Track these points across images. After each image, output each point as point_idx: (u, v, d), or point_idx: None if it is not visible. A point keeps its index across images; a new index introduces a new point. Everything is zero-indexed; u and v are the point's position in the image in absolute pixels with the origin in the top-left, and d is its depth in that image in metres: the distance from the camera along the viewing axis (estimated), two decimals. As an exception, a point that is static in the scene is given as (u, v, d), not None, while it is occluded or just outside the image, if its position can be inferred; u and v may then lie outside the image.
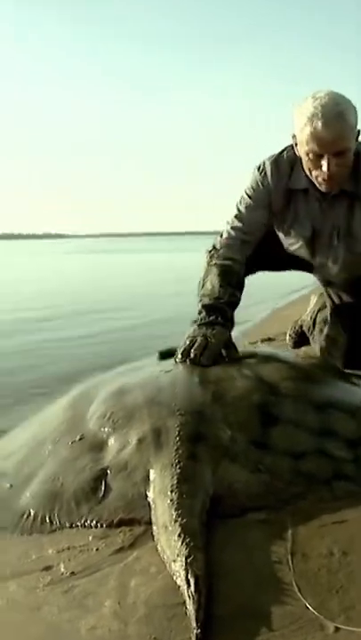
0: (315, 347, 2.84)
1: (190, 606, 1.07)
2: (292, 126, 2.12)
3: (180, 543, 1.23)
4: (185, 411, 1.66)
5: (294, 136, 2.15)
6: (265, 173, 2.31)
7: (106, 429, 1.70)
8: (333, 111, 2.00)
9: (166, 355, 2.17)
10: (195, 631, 1.02)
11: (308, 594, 1.12)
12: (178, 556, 1.20)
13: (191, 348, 2.01)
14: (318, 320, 2.88)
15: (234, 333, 2.24)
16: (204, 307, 2.19)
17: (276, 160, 2.31)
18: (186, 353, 2.01)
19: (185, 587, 1.12)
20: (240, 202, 2.38)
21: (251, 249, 2.39)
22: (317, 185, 2.19)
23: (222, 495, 1.46)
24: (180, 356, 2.01)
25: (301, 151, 2.12)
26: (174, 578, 1.17)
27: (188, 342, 2.05)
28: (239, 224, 2.36)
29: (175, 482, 1.43)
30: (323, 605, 1.09)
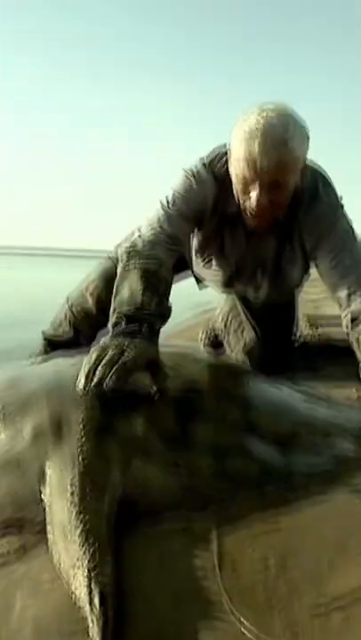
0: (230, 354, 2.66)
1: (94, 629, 0.82)
2: (230, 136, 1.81)
3: (81, 546, 0.97)
4: (92, 400, 1.40)
5: (229, 149, 1.82)
6: (203, 185, 1.92)
7: (-5, 421, 1.41)
8: (278, 136, 1.66)
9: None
10: None
11: (242, 610, 0.89)
12: (78, 560, 0.93)
13: (97, 366, 1.41)
14: (232, 324, 2.69)
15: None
16: (121, 316, 1.64)
17: (215, 172, 1.92)
18: (89, 375, 1.40)
19: (87, 604, 0.86)
20: (170, 203, 1.92)
21: (175, 259, 1.93)
22: (244, 215, 1.87)
23: (134, 497, 1.21)
24: (82, 380, 1.40)
25: (232, 170, 1.80)
26: (73, 594, 0.90)
27: (93, 357, 1.43)
28: (168, 227, 1.87)
29: (77, 479, 1.17)
30: (263, 623, 0.86)
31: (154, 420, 1.39)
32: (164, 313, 1.72)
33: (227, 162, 1.86)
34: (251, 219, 1.85)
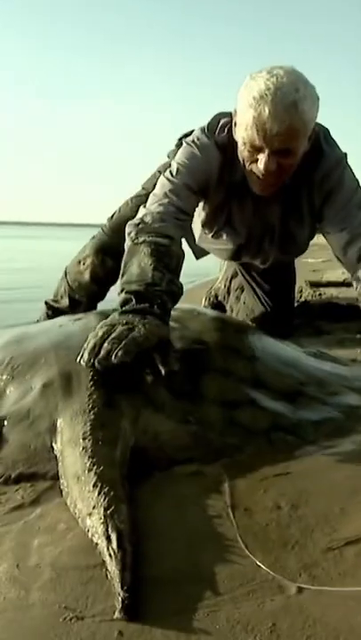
0: (232, 315, 2.67)
1: (113, 567, 0.83)
2: (236, 100, 1.70)
3: (96, 493, 0.97)
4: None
5: (235, 113, 1.73)
6: (206, 153, 1.81)
7: (3, 377, 1.42)
8: (288, 98, 1.55)
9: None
10: (120, 596, 0.77)
11: (257, 551, 0.90)
12: (94, 508, 0.94)
13: (104, 341, 1.29)
14: (233, 287, 2.70)
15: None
16: (131, 293, 1.48)
17: (217, 141, 1.82)
18: (94, 350, 1.28)
19: (104, 544, 0.87)
20: (174, 173, 1.81)
21: (184, 232, 1.84)
22: (250, 184, 1.80)
23: (145, 447, 1.22)
24: (85, 355, 1.28)
25: (239, 136, 1.70)
26: (90, 535, 0.91)
27: (100, 333, 1.32)
28: (175, 199, 1.75)
29: (89, 429, 1.17)
30: (278, 563, 0.87)
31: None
32: (175, 291, 1.56)
33: (230, 129, 1.79)
34: (257, 186, 1.77)
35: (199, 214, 2.02)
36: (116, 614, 0.75)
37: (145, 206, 1.77)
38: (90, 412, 1.23)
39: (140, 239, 1.62)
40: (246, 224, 1.98)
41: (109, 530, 0.88)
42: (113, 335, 1.29)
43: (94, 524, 0.91)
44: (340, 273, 3.69)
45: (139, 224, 1.68)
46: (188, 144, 1.84)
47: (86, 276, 2.55)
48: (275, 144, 1.60)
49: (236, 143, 1.75)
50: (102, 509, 0.92)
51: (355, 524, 0.98)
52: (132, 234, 1.65)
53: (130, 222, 1.71)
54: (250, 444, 1.28)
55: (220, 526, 0.97)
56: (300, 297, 3.28)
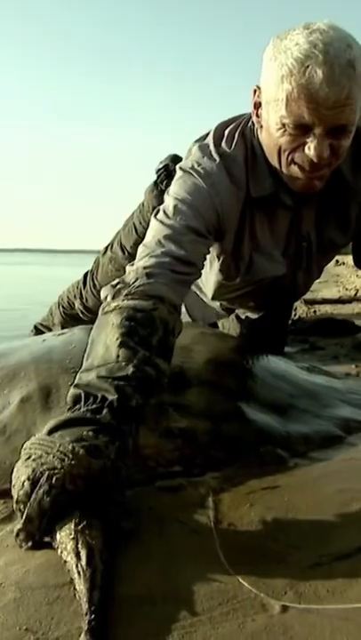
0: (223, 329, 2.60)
1: (81, 585, 0.76)
2: (261, 79, 1.34)
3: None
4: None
5: (259, 91, 1.36)
6: (214, 183, 1.40)
7: (-19, 391, 1.36)
8: (343, 56, 1.19)
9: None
10: (87, 617, 0.70)
11: (240, 568, 0.84)
12: (65, 523, 0.88)
13: (33, 489, 0.87)
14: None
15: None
16: (81, 387, 1.04)
17: (225, 154, 1.44)
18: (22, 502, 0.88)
19: (73, 561, 0.80)
20: (170, 213, 1.37)
21: (187, 291, 1.40)
22: (289, 181, 1.41)
23: (127, 462, 1.16)
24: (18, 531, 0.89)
25: (271, 118, 1.31)
26: (59, 551, 0.85)
27: (22, 477, 0.89)
28: (174, 247, 1.31)
29: None
30: (261, 581, 0.81)
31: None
32: (149, 377, 1.07)
33: (243, 132, 1.47)
34: (301, 182, 1.38)
35: (211, 263, 1.61)
36: (82, 637, 0.68)
37: (133, 263, 1.34)
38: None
39: (112, 305, 1.18)
40: (281, 244, 1.58)
41: (79, 546, 0.82)
42: (41, 480, 0.87)
43: (63, 540, 0.85)
44: (335, 291, 3.66)
45: (117, 285, 1.25)
46: (185, 171, 1.44)
47: (77, 307, 2.52)
48: (330, 119, 1.24)
49: (254, 148, 1.45)
50: (73, 524, 0.86)
51: (344, 539, 0.91)
52: (108, 299, 1.23)
53: (106, 285, 1.28)
54: (237, 458, 1.22)
55: (201, 542, 0.91)
56: (295, 315, 3.24)
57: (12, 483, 0.92)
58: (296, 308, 3.34)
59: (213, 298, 1.82)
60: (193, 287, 1.82)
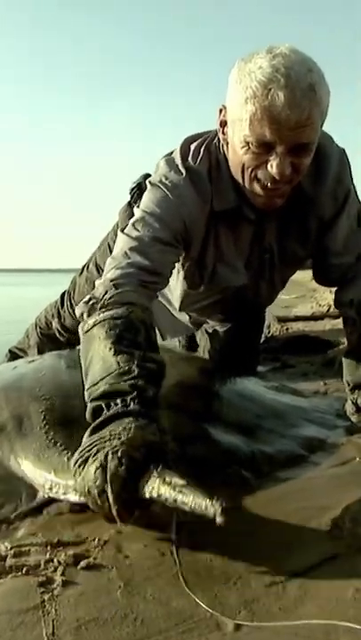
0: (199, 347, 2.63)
1: (191, 501, 0.91)
2: (227, 99, 1.40)
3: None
4: (51, 395, 1.40)
5: (225, 110, 1.42)
6: (180, 195, 1.47)
7: None
8: (305, 80, 1.26)
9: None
10: (217, 502, 0.87)
11: (198, 589, 0.87)
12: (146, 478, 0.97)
13: (105, 474, 0.97)
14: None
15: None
16: (98, 399, 1.13)
17: (191, 168, 1.51)
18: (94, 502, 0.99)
19: (173, 494, 0.93)
20: (137, 225, 1.45)
21: (155, 296, 1.47)
22: (251, 197, 1.47)
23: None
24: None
25: (236, 137, 1.38)
26: (154, 494, 0.95)
27: (91, 474, 0.98)
28: (140, 258, 1.39)
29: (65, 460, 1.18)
30: (218, 600, 0.85)
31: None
32: (153, 370, 1.19)
33: (208, 148, 1.52)
34: (263, 198, 1.44)
35: (177, 272, 1.68)
36: (218, 516, 0.82)
37: (101, 276, 1.41)
38: (42, 450, 1.22)
39: (91, 322, 1.27)
40: (243, 255, 1.64)
41: (167, 479, 0.95)
42: (97, 484, 0.97)
43: (153, 485, 0.95)
44: (309, 307, 3.72)
45: (89, 301, 1.32)
46: (153, 185, 1.51)
47: (54, 327, 2.55)
48: (291, 138, 1.30)
49: (219, 163, 1.51)
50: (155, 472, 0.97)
51: (300, 557, 0.96)
52: (85, 317, 1.30)
53: (80, 303, 1.35)
54: (203, 480, 1.25)
55: (161, 564, 0.94)
56: (269, 332, 3.30)
57: (84, 490, 1.00)
58: (270, 326, 3.40)
59: (181, 309, 1.90)
60: (162, 300, 1.92)
